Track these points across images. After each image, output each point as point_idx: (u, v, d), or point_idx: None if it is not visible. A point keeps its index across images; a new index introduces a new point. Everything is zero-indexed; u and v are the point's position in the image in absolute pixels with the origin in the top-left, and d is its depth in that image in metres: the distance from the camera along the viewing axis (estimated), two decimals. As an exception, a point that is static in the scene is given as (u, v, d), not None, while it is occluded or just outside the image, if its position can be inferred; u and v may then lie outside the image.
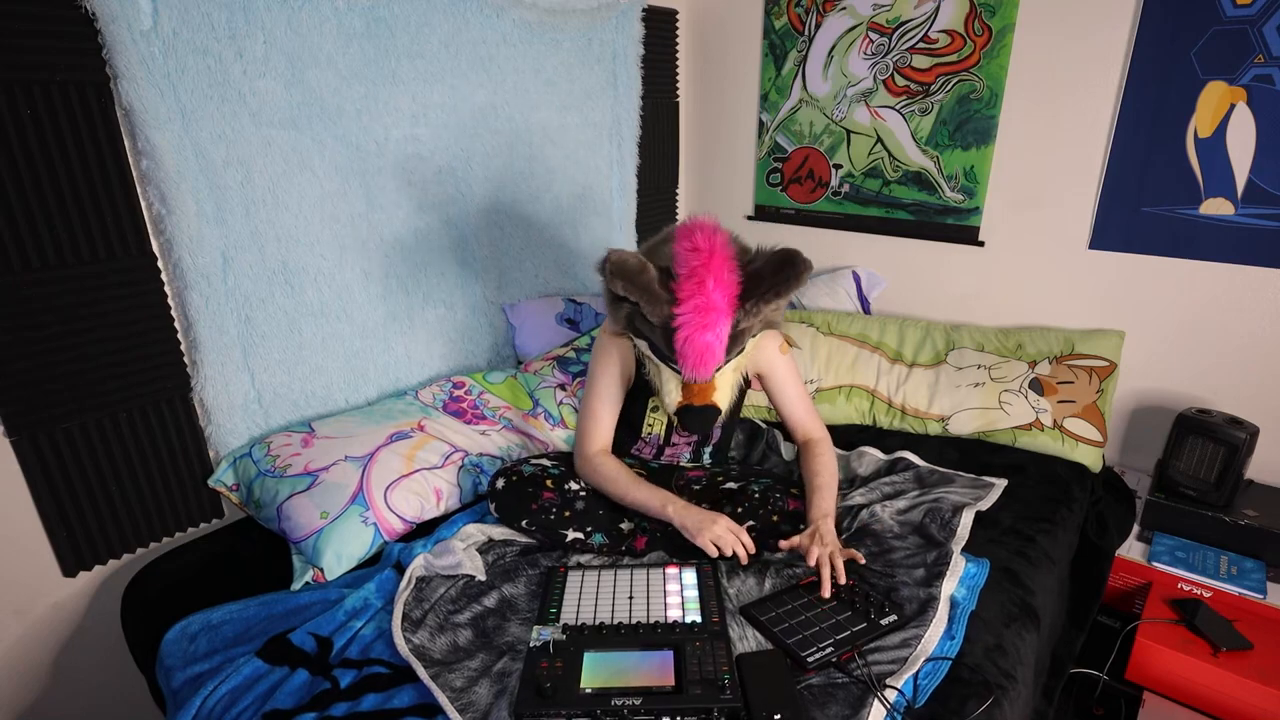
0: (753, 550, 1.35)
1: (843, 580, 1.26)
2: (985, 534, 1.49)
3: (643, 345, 1.38)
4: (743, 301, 1.25)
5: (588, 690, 1.05)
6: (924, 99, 2.11)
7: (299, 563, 1.40)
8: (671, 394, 1.37)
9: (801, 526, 1.38)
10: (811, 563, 1.28)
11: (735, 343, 1.29)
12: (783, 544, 1.34)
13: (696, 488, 1.54)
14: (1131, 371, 2.00)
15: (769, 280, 1.24)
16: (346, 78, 1.62)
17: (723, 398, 1.37)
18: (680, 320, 1.23)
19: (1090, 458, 1.83)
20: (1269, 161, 1.69)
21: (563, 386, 1.88)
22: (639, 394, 1.54)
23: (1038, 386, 1.90)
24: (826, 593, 1.25)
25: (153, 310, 1.46)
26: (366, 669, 1.15)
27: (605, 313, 1.45)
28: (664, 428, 1.57)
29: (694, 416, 1.36)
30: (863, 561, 1.33)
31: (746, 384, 1.58)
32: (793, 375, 1.57)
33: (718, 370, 1.32)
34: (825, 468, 1.47)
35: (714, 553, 1.33)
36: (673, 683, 1.07)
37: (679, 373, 1.32)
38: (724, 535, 1.33)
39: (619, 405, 1.53)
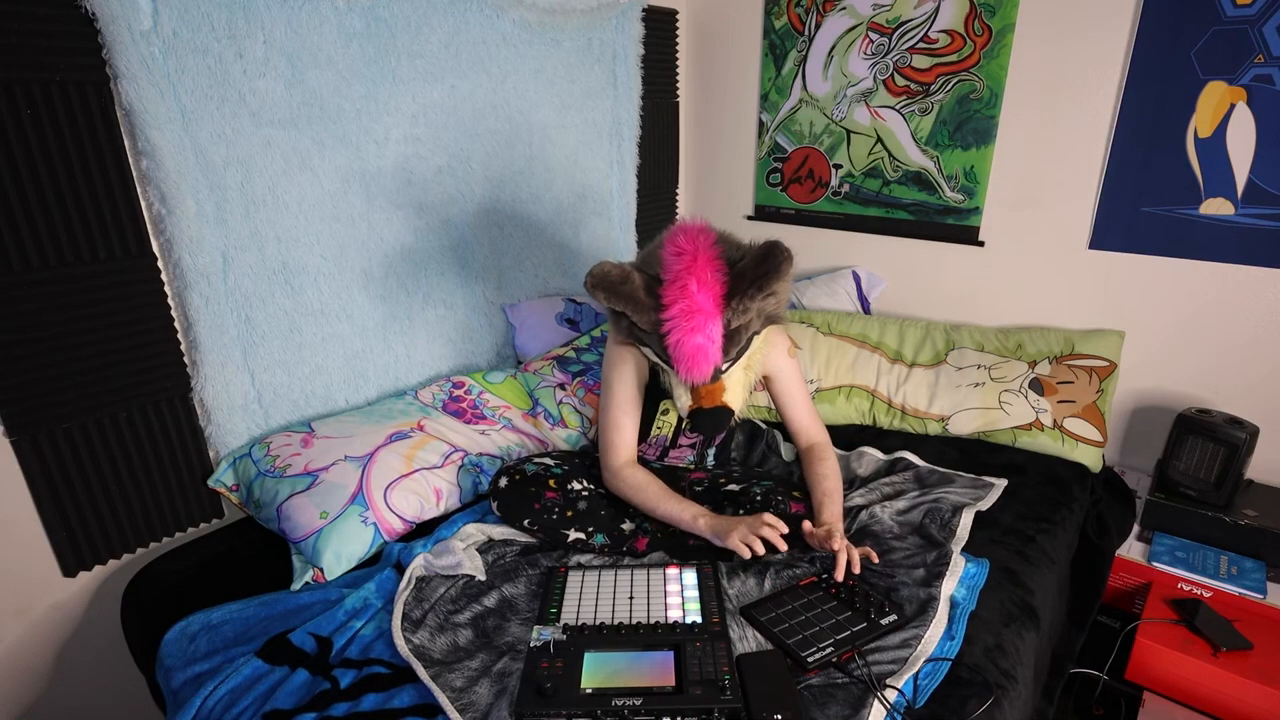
0: (785, 530, 1.29)
1: (857, 570, 1.27)
2: (985, 534, 1.49)
3: (648, 352, 1.39)
4: (728, 300, 1.25)
5: (588, 690, 1.05)
6: (924, 99, 2.11)
7: (299, 563, 1.40)
8: (682, 398, 1.38)
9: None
10: (835, 547, 1.28)
11: (733, 341, 1.29)
12: (805, 525, 1.34)
13: (699, 489, 1.53)
14: (1131, 371, 2.00)
15: (750, 275, 1.24)
16: (346, 78, 1.62)
17: (734, 398, 1.36)
18: (668, 325, 1.24)
19: (1090, 458, 1.82)
20: (1269, 161, 1.69)
21: (562, 386, 1.88)
22: (650, 396, 1.54)
23: (1038, 386, 1.90)
24: (840, 575, 1.26)
25: (153, 310, 1.46)
26: (366, 669, 1.15)
27: (608, 325, 1.45)
28: (671, 430, 1.57)
29: (705, 418, 1.35)
30: (876, 560, 1.33)
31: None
32: (798, 378, 1.58)
33: (724, 371, 1.32)
34: (831, 473, 1.47)
35: (746, 554, 1.28)
36: (673, 683, 1.07)
37: None
38: (748, 536, 1.28)
39: (639, 411, 1.52)
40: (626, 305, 1.27)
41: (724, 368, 1.32)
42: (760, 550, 1.27)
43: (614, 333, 1.42)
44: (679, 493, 1.47)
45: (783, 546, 1.28)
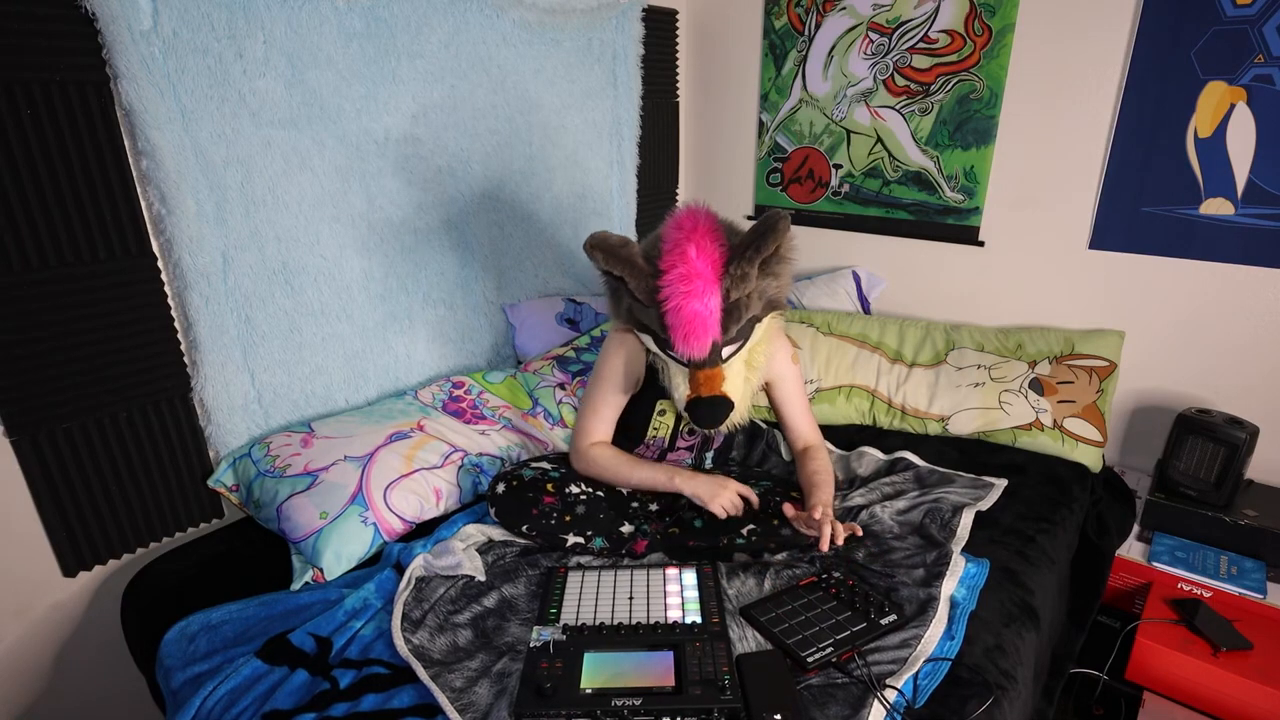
0: (756, 505, 1.41)
1: (840, 541, 1.29)
2: (985, 534, 1.49)
3: (649, 341, 1.37)
4: (728, 267, 1.24)
5: (588, 690, 1.05)
6: (924, 99, 2.11)
7: (299, 563, 1.40)
8: (680, 388, 1.35)
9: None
10: (816, 516, 1.30)
11: (733, 317, 1.27)
12: (786, 507, 1.37)
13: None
14: (1131, 371, 2.00)
15: (748, 240, 1.24)
16: (346, 78, 1.62)
17: (734, 389, 1.33)
18: (666, 290, 1.22)
19: (1090, 458, 1.82)
20: (1269, 161, 1.69)
21: (562, 386, 1.88)
22: (647, 396, 1.52)
23: (1038, 386, 1.89)
24: (825, 547, 1.28)
25: (153, 310, 1.46)
26: (366, 669, 1.15)
27: (607, 310, 1.45)
28: (669, 431, 1.57)
29: (704, 409, 1.31)
30: (860, 534, 1.36)
31: None
32: (799, 384, 1.58)
33: (726, 358, 1.30)
34: (824, 467, 1.49)
35: (723, 515, 1.38)
36: (673, 683, 1.07)
37: (683, 362, 1.31)
38: (734, 500, 1.39)
39: (621, 403, 1.52)
40: (624, 269, 1.26)
41: (725, 353, 1.30)
42: (735, 509, 1.39)
43: (614, 317, 1.40)
44: (676, 493, 1.46)
45: (755, 503, 1.41)
